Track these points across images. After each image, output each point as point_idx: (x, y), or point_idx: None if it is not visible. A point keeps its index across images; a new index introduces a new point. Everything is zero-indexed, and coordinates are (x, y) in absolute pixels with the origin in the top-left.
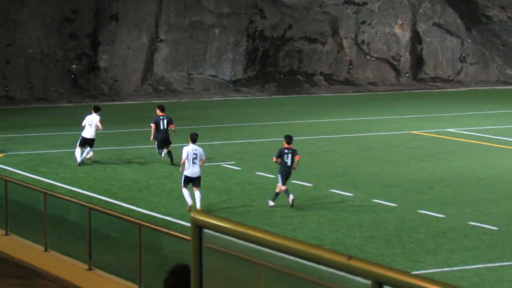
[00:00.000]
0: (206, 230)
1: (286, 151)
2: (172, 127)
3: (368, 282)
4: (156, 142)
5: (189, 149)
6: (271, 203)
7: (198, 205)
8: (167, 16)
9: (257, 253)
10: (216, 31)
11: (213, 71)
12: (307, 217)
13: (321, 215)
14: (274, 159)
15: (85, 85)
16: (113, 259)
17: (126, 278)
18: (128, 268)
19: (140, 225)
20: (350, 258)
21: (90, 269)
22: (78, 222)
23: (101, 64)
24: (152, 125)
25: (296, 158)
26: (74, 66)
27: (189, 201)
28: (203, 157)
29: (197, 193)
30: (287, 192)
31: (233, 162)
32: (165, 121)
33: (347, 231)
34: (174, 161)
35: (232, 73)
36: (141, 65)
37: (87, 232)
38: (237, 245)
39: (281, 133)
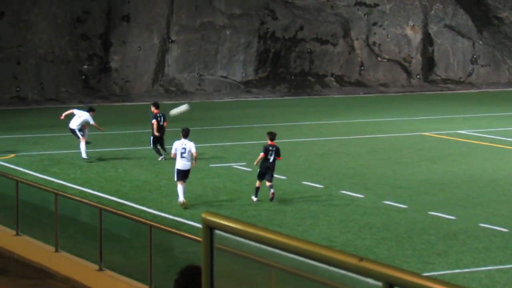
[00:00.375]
0: (217, 231)
1: (270, 148)
2: (165, 124)
3: (379, 283)
4: (152, 138)
5: (178, 144)
6: (254, 198)
7: (181, 198)
8: (179, 17)
9: (268, 254)
10: (228, 32)
11: (224, 72)
12: (318, 218)
13: (332, 217)
14: (262, 155)
15: (96, 86)
16: (124, 260)
17: (137, 279)
18: (139, 269)
19: (151, 226)
20: (361, 259)
21: (100, 269)
22: (89, 223)
23: (112, 64)
24: (154, 121)
25: (278, 159)
26: (85, 66)
27: (181, 197)
28: (193, 151)
29: (182, 186)
30: (258, 190)
31: (244, 163)
32: (162, 118)
33: (358, 232)
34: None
35: (243, 74)
36: (152, 66)
37: (98, 233)
38: (248, 246)
39: (292, 135)
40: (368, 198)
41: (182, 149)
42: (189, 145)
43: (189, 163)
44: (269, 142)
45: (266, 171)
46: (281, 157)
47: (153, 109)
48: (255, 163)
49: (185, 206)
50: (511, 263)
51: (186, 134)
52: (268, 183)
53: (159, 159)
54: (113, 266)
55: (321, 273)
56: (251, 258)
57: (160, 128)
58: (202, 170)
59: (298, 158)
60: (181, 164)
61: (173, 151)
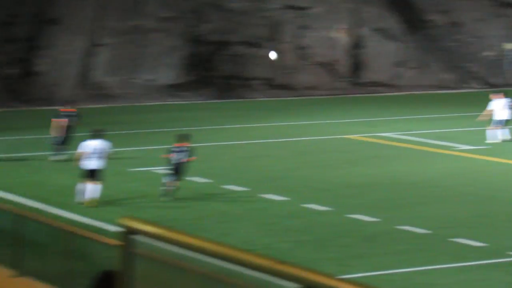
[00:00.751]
0: (135, 236)
1: (177, 149)
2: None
3: (298, 286)
4: (55, 140)
5: (89, 144)
6: (163, 198)
7: (90, 196)
8: (107, 20)
9: (188, 259)
10: (156, 36)
11: (152, 75)
12: (239, 222)
13: (254, 220)
14: (168, 155)
15: (21, 90)
16: (41, 266)
17: (54, 285)
18: (56, 274)
19: (69, 231)
20: (279, 263)
21: (15, 275)
22: (4, 229)
23: (39, 68)
24: (57, 120)
25: (192, 159)
26: (9, 70)
27: (80, 197)
28: (106, 152)
29: (95, 186)
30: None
31: (165, 167)
32: (68, 117)
33: (279, 235)
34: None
35: (172, 78)
36: (79, 70)
37: (14, 238)
38: (168, 251)
39: (218, 138)
40: (290, 201)
41: (94, 149)
42: (103, 145)
43: (100, 162)
44: (177, 144)
45: (175, 171)
46: (193, 158)
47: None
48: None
49: (90, 205)
50: (430, 265)
51: (97, 135)
52: (173, 183)
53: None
54: (29, 272)
55: (241, 277)
56: (171, 263)
57: (62, 128)
58: (120, 174)
59: (223, 161)
60: (89, 163)
61: (82, 150)
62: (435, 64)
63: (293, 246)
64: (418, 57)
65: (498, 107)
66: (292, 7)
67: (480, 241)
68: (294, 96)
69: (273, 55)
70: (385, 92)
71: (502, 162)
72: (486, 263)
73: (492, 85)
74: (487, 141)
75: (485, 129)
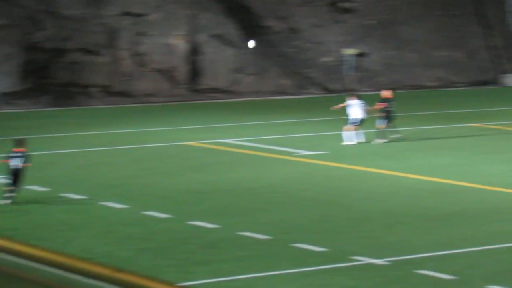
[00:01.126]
0: None
1: (15, 154)
2: None
3: None
4: None
5: None
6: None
7: None
8: None
9: (27, 269)
10: None
11: None
12: (79, 230)
13: (94, 228)
14: (6, 161)
15: None
16: None
17: None
18: None
19: None
20: (118, 270)
21: None
22: None
23: None
24: None
25: (27, 165)
26: None
27: None
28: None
29: None
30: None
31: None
32: None
33: (120, 243)
34: None
35: (7, 86)
36: None
37: None
38: (6, 261)
39: (54, 146)
40: (131, 208)
41: None
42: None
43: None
44: (15, 149)
45: (14, 178)
46: (27, 164)
47: None
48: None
49: None
50: (272, 270)
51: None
52: (12, 189)
53: None
54: None
55: (80, 286)
56: (10, 273)
57: None
58: None
59: (61, 169)
60: None
61: None
62: (273, 70)
63: (134, 254)
64: (256, 63)
65: (353, 107)
66: (129, 14)
67: (322, 246)
68: (133, 103)
69: (251, 43)
70: (224, 99)
71: (341, 167)
72: (328, 268)
73: (331, 91)
74: (343, 143)
75: (341, 132)
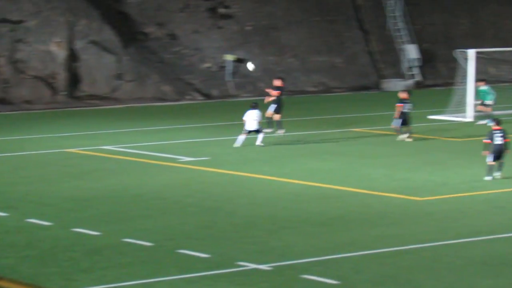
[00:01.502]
0: None
1: None
2: None
3: None
4: None
5: None
6: None
7: None
8: None
9: None
10: None
11: None
12: None
13: None
14: None
15: None
16: None
17: None
18: None
19: None
20: (1, 279)
21: None
22: None
23: None
24: None
25: None
26: None
27: None
28: None
29: None
30: None
31: None
32: None
33: (1, 251)
34: None
35: None
36: None
37: None
38: None
39: None
40: (12, 216)
41: None
42: None
43: None
44: None
45: None
46: None
47: None
48: None
49: None
50: (156, 277)
51: None
52: None
53: None
54: None
55: None
56: None
57: None
58: None
59: None
60: None
61: None
62: (154, 76)
63: (16, 262)
64: (136, 70)
65: (249, 117)
66: (5, 21)
67: (206, 252)
68: (12, 111)
69: (250, 66)
70: (105, 105)
71: (224, 173)
72: (213, 274)
73: (212, 97)
74: (235, 145)
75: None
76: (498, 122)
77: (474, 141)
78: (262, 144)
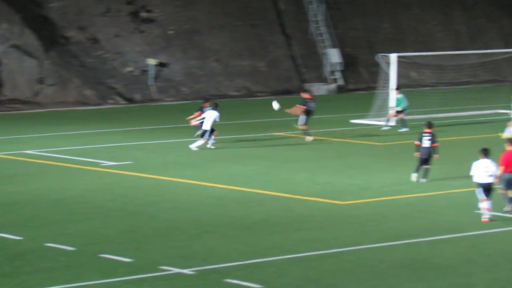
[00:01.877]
0: None
1: None
2: None
3: None
4: None
5: None
6: None
7: None
8: None
9: None
10: None
11: None
12: None
13: None
14: None
15: None
16: None
17: None
18: None
19: None
20: None
21: None
22: None
23: None
24: None
25: None
26: None
27: None
28: None
29: None
30: None
31: None
32: None
33: None
34: None
35: None
36: None
37: None
38: None
39: None
40: None
41: None
42: None
43: None
44: None
45: None
46: None
47: None
48: None
49: None
50: (78, 281)
51: None
52: None
53: None
54: None
55: None
56: None
57: None
58: None
59: None
60: None
61: None
62: (75, 80)
63: None
64: (58, 74)
65: (208, 116)
66: None
67: (128, 257)
68: None
69: (276, 105)
70: (26, 110)
71: (146, 177)
72: (135, 278)
73: (135, 101)
74: (191, 146)
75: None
76: (429, 125)
77: (396, 145)
78: (196, 149)
